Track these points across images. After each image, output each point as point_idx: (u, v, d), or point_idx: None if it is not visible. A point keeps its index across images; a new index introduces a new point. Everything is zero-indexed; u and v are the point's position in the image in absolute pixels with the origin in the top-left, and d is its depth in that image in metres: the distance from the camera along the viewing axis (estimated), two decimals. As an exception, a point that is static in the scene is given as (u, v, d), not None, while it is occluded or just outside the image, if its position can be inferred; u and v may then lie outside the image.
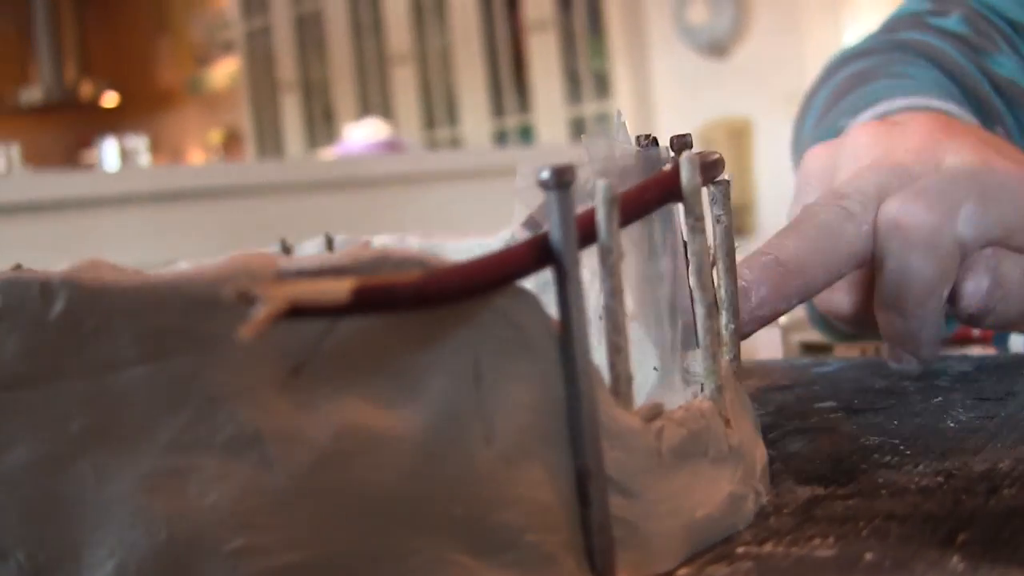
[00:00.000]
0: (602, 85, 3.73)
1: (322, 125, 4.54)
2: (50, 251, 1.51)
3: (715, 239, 0.29)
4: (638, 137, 0.33)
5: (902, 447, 0.31)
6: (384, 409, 0.21)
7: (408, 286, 0.19)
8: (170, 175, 1.80)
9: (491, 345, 0.22)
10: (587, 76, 3.81)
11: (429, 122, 4.38)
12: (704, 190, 0.29)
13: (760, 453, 0.27)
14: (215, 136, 4.70)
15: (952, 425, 0.34)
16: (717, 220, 0.29)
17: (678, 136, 0.31)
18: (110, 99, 5.13)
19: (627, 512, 0.23)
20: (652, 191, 0.24)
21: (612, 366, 0.23)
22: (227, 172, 1.88)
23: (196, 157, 4.67)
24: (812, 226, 0.37)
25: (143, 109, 5.00)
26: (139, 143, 2.16)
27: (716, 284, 0.29)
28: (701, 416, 0.24)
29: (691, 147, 0.31)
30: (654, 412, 0.24)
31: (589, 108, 3.80)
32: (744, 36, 3.23)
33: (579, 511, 0.22)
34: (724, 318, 0.29)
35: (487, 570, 0.22)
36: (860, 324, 0.42)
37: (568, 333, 0.22)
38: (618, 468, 0.22)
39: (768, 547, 0.24)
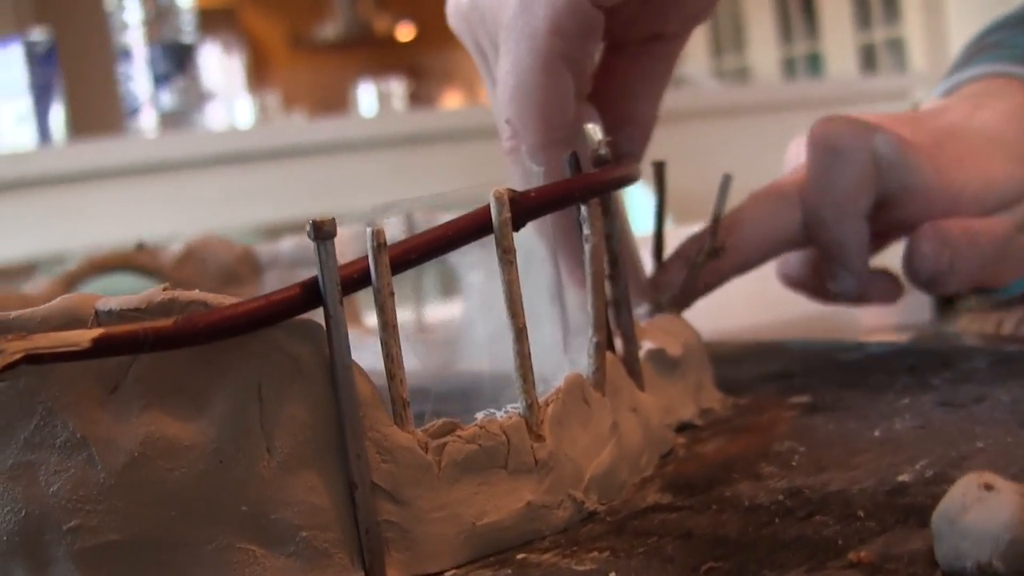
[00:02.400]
0: (892, 9, 3.55)
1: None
2: (308, 196, 1.64)
3: (586, 257, 0.31)
4: (599, 141, 0.35)
5: (797, 457, 0.33)
6: (181, 422, 0.26)
7: (153, 332, 0.23)
8: (421, 119, 1.89)
9: (270, 372, 0.25)
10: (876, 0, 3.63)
11: (716, 50, 4.33)
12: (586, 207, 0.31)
13: (598, 462, 0.30)
14: (507, 68, 4.82)
15: (877, 434, 0.34)
16: (585, 240, 0.31)
17: (602, 141, 0.33)
18: (405, 32, 5.36)
19: (397, 517, 0.26)
20: (463, 227, 0.27)
21: (389, 390, 0.26)
22: (475, 114, 1.96)
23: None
24: (751, 210, 0.43)
25: (437, 42, 5.19)
26: (396, 86, 2.28)
27: (588, 299, 0.31)
28: (500, 432, 0.27)
29: (606, 161, 0.34)
30: (445, 429, 0.27)
31: (879, 34, 3.63)
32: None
33: (352, 514, 0.26)
34: (589, 332, 0.31)
35: (272, 558, 0.26)
36: (818, 293, 0.47)
37: (334, 364, 0.25)
38: (388, 479, 0.26)
39: (547, 556, 0.27)
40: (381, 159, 1.73)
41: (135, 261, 0.56)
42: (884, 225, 0.43)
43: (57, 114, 1.54)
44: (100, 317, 0.25)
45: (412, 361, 0.55)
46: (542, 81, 0.36)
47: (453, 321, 0.56)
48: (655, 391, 0.36)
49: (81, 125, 1.56)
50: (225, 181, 1.60)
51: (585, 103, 0.38)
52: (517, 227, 0.28)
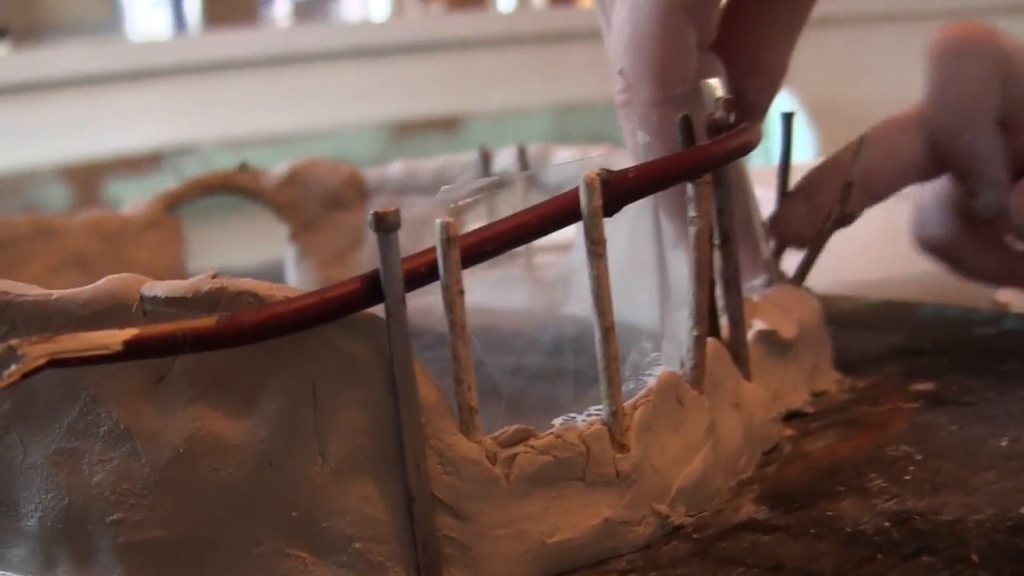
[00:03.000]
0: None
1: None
2: (441, 92, 1.62)
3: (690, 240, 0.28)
4: (716, 101, 0.32)
5: (912, 468, 0.29)
6: (229, 420, 0.24)
7: (192, 333, 0.21)
8: (561, 16, 1.84)
9: (326, 372, 0.23)
10: None
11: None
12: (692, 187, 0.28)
13: (689, 472, 0.27)
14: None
15: (1004, 445, 0.31)
16: (691, 222, 0.28)
17: (719, 101, 0.30)
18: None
19: (458, 533, 0.24)
20: (546, 213, 0.24)
21: (457, 396, 0.24)
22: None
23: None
24: (876, 139, 0.39)
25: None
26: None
27: (690, 287, 0.28)
28: (579, 442, 0.25)
29: (722, 126, 0.30)
30: (517, 437, 0.24)
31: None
32: None
33: (409, 527, 0.24)
34: (689, 323, 0.28)
35: (323, 567, 0.24)
36: (957, 263, 0.42)
37: (394, 367, 0.23)
38: (450, 492, 0.24)
39: (620, 581, 0.24)
40: (518, 57, 1.69)
41: (237, 182, 0.55)
42: (1017, 158, 0.39)
43: (192, 2, 1.54)
44: (145, 303, 0.24)
45: (521, 299, 0.53)
46: (660, 33, 0.33)
47: (565, 255, 0.54)
48: (763, 377, 0.32)
49: (215, 14, 1.56)
50: (357, 74, 1.58)
51: (708, 52, 0.35)
52: (611, 212, 0.25)
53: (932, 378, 0.37)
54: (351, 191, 0.56)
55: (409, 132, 1.68)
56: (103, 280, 0.24)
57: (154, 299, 0.23)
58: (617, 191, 0.25)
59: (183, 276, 0.51)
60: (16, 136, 1.29)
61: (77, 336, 0.20)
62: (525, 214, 0.24)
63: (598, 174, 0.25)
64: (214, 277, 0.23)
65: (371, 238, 0.56)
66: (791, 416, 0.34)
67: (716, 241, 0.31)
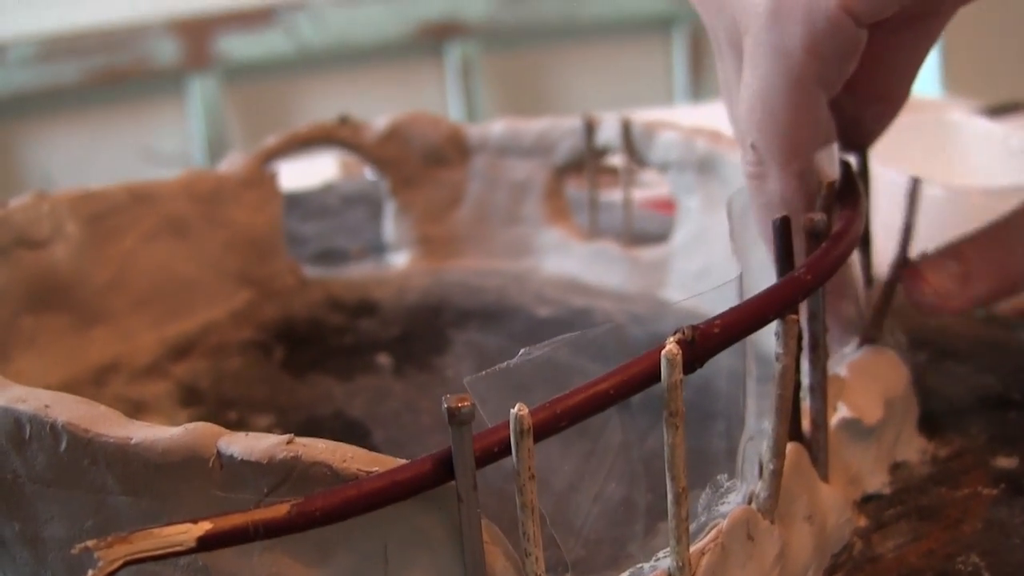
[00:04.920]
0: None
1: None
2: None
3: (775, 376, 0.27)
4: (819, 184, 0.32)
5: (985, 594, 0.29)
6: (304, 568, 0.25)
7: (263, 524, 0.22)
8: None
9: (397, 538, 0.24)
10: None
11: None
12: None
13: (752, 608, 0.27)
14: None
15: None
16: (776, 358, 0.27)
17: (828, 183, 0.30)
18: None
19: None
20: (624, 382, 0.24)
21: (525, 567, 0.24)
22: None
23: None
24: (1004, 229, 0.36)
25: None
26: None
27: (771, 421, 0.28)
28: (642, 599, 0.25)
29: (822, 232, 0.29)
30: (583, 595, 0.25)
31: None
32: None
33: None
34: (766, 456, 0.28)
35: None
36: None
37: (464, 545, 0.23)
38: (514, 654, 0.24)
39: None
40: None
41: (337, 135, 0.54)
42: None
43: None
44: (222, 458, 0.24)
45: (618, 278, 0.52)
46: (793, 108, 0.32)
47: (664, 242, 0.53)
48: (841, 465, 0.32)
49: None
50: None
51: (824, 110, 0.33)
52: (693, 370, 0.25)
53: (1017, 448, 0.36)
54: (453, 149, 0.55)
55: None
56: (181, 429, 0.24)
57: (230, 457, 0.24)
58: (701, 350, 0.25)
59: (280, 239, 0.51)
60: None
61: (151, 534, 0.21)
62: (602, 382, 0.24)
63: (680, 338, 0.24)
64: (289, 443, 0.24)
65: (471, 195, 0.56)
66: (868, 498, 0.34)
67: (804, 345, 0.30)
